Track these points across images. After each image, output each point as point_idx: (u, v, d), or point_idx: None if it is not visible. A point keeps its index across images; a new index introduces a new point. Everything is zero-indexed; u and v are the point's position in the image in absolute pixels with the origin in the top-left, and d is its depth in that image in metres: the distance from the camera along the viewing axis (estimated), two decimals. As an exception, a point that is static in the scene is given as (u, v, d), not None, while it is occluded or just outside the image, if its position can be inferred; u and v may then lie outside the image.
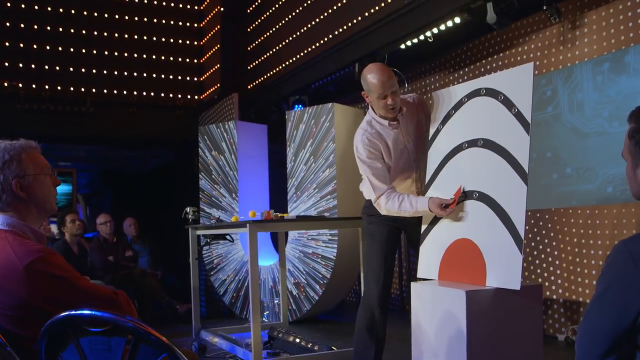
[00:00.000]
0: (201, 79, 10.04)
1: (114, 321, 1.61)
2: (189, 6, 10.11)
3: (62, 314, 1.67)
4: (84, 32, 9.18)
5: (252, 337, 4.59)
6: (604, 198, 4.90)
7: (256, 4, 9.22)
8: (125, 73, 9.46)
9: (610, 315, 1.57)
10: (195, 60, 10.09)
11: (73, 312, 1.67)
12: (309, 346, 4.95)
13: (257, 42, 9.20)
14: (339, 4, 7.10)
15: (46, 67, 8.88)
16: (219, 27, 9.53)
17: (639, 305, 1.53)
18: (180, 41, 9.99)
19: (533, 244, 5.53)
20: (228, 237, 5.84)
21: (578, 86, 5.12)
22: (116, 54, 9.43)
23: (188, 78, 9.99)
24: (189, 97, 9.94)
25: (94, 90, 9.14)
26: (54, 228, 7.73)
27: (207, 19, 9.99)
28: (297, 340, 5.06)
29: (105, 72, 9.30)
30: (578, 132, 5.13)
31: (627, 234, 4.65)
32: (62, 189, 10.03)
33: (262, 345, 4.73)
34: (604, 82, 4.92)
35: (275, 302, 6.85)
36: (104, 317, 1.63)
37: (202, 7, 10.17)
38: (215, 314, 8.02)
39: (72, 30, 9.09)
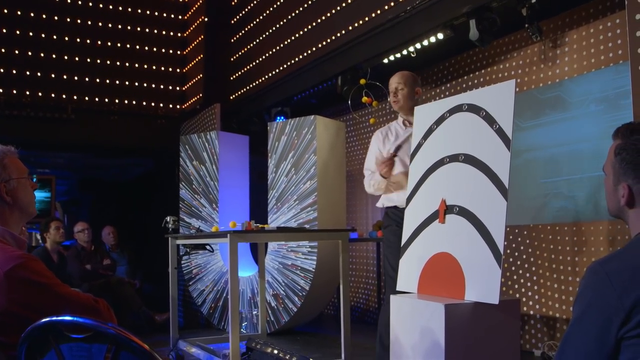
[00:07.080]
0: (183, 88, 10.03)
1: (95, 328, 1.60)
2: (172, 15, 10.10)
3: (44, 319, 1.66)
4: (66, 38, 9.15)
5: (230, 348, 4.58)
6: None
7: (240, 15, 9.24)
8: (107, 81, 9.42)
9: (593, 335, 1.56)
10: (178, 70, 10.08)
11: (54, 318, 1.65)
12: (287, 358, 4.91)
13: (240, 53, 9.22)
14: (323, 17, 7.14)
15: (27, 72, 8.82)
16: (202, 37, 9.53)
17: (618, 324, 1.53)
18: (163, 50, 9.98)
19: (511, 259, 5.58)
20: (208, 247, 5.82)
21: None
22: (98, 61, 9.40)
23: (170, 87, 9.97)
24: (170, 106, 9.92)
25: (75, 97, 9.10)
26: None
27: (191, 28, 9.99)
28: (275, 351, 5.03)
29: (87, 79, 9.26)
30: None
31: (603, 251, 4.71)
32: (41, 195, 9.94)
33: (240, 356, 4.71)
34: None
35: (254, 313, 6.82)
36: (85, 324, 1.62)
37: (186, 17, 10.17)
38: (193, 324, 7.97)
39: (54, 37, 9.06)
